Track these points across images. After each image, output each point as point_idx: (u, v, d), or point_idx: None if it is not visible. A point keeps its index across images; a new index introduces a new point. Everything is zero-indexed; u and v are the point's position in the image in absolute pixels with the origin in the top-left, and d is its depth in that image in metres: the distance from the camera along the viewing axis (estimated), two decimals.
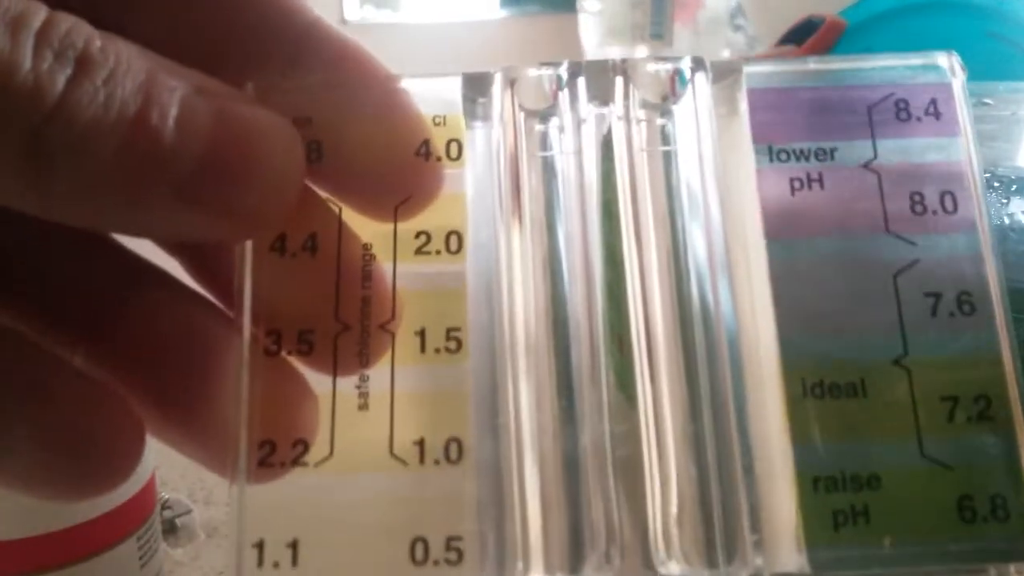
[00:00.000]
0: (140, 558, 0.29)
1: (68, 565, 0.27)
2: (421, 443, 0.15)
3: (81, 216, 0.13)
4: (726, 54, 0.96)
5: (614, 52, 0.98)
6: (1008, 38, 0.67)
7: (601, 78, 0.17)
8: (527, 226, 0.16)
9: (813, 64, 0.17)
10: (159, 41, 0.14)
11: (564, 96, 0.17)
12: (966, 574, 0.15)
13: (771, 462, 0.15)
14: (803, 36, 0.73)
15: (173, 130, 0.13)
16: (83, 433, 0.14)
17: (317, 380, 0.15)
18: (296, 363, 0.15)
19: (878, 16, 0.71)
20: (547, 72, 0.17)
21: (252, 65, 0.16)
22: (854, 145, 0.16)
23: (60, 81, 0.12)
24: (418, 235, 0.16)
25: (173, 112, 0.13)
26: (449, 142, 0.16)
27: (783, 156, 0.16)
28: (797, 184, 0.16)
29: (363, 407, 0.15)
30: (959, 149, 0.16)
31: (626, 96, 0.17)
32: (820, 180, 0.16)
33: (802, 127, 0.16)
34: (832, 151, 0.16)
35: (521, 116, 0.17)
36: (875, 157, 0.16)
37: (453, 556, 0.15)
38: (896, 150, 0.16)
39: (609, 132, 0.17)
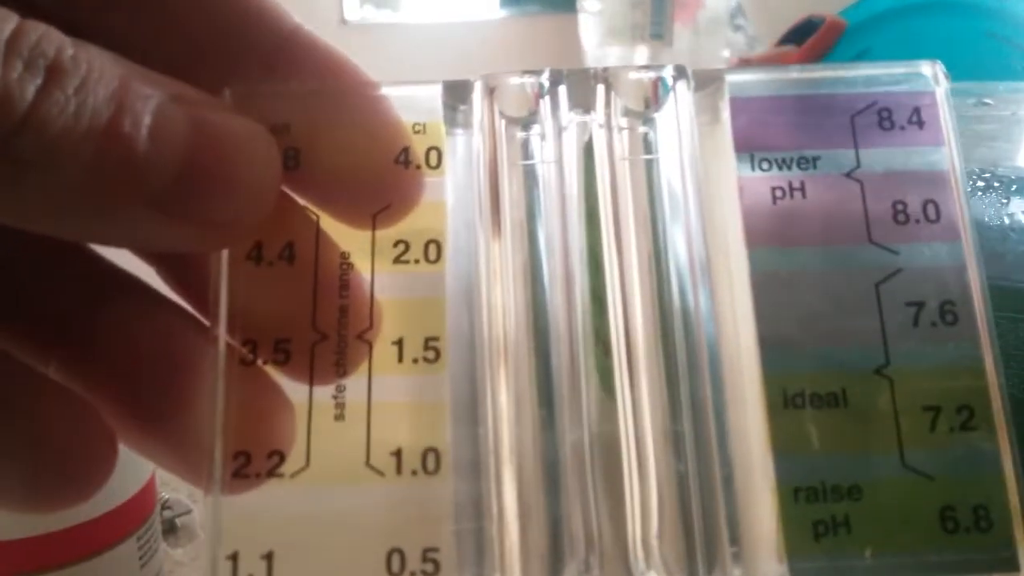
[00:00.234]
0: (140, 558, 0.29)
1: (68, 565, 0.27)
2: (398, 453, 0.15)
3: (53, 227, 0.13)
4: (726, 54, 0.95)
5: (614, 52, 0.98)
6: (1008, 38, 0.67)
7: (582, 86, 0.17)
8: (507, 234, 0.16)
9: (796, 72, 0.17)
10: (136, 43, 0.14)
11: (545, 104, 0.17)
12: None
13: (752, 472, 0.15)
14: (803, 36, 0.73)
15: (147, 139, 0.13)
16: (52, 445, 0.14)
17: (293, 389, 0.15)
18: (272, 372, 0.15)
19: (878, 16, 0.70)
20: (528, 79, 0.17)
21: (231, 70, 0.16)
22: (837, 154, 0.16)
23: (30, 91, 0.12)
24: (397, 244, 0.16)
25: (147, 120, 0.13)
26: (429, 150, 0.16)
27: (765, 165, 0.16)
28: (779, 193, 0.16)
29: (340, 417, 0.15)
30: (942, 158, 0.16)
31: (607, 104, 0.17)
32: (802, 189, 0.16)
33: (785, 135, 0.16)
34: (815, 160, 0.16)
35: (502, 124, 0.17)
36: (858, 166, 0.16)
37: (430, 567, 0.15)
38: (879, 159, 0.16)
39: (590, 140, 0.17)
